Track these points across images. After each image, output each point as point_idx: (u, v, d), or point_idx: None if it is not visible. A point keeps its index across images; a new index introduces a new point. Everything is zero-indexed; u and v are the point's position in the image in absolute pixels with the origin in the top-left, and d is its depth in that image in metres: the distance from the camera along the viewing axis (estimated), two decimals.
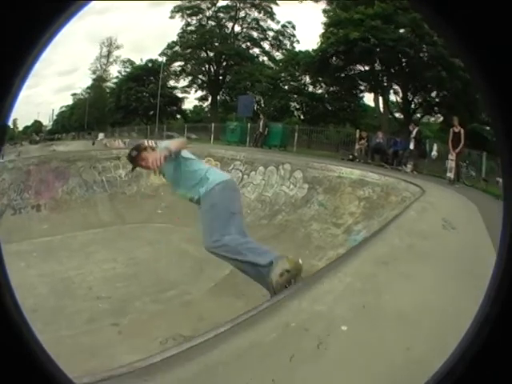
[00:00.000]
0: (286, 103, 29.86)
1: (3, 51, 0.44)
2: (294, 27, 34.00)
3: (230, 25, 34.85)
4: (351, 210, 7.98)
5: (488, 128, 19.69)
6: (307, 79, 29.09)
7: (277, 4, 33.35)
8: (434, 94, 23.55)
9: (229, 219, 3.28)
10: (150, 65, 36.59)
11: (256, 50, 35.58)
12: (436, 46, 18.86)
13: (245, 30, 35.10)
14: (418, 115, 25.69)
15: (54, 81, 63.35)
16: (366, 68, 24.25)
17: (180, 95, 37.22)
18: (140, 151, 3.60)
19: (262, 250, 3.25)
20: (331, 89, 27.83)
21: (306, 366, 1.60)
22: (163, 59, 34.99)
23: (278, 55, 34.74)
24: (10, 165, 13.98)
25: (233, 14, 34.35)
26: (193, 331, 3.35)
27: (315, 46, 24.69)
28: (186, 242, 8.22)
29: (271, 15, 33.96)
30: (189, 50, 34.88)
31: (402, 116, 25.89)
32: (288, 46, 34.30)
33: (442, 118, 25.33)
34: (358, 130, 15.94)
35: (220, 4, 33.96)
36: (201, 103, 38.20)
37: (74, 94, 46.39)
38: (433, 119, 28.60)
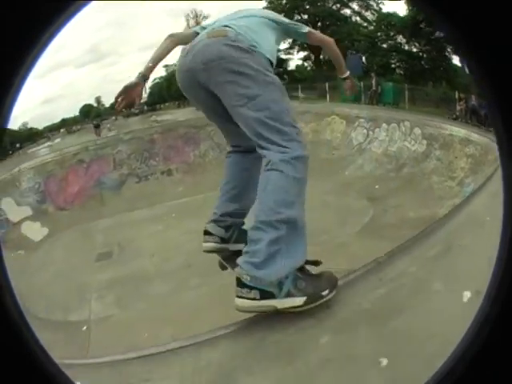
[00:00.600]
0: (388, 61, 30.41)
1: (3, 51, 0.44)
2: None
3: None
4: (461, 165, 8.91)
5: None
6: (401, 38, 29.92)
7: None
8: None
9: None
10: None
11: (347, 11, 36.14)
12: None
13: None
14: None
15: (135, 57, 65.04)
16: None
17: (284, 57, 37.85)
18: None
19: None
20: (424, 48, 28.62)
21: None
22: None
23: (368, 15, 35.36)
24: (126, 136, 14.88)
25: None
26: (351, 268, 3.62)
27: (400, 8, 25.84)
28: (326, 194, 9.36)
29: None
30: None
31: None
32: (375, 7, 34.97)
33: None
34: (456, 92, 16.38)
35: None
36: (304, 63, 38.58)
37: (165, 66, 47.14)
38: None
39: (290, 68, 38.85)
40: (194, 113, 28.67)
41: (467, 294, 1.29)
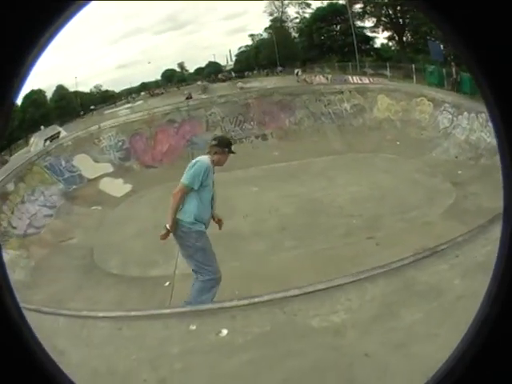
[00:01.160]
0: None
1: (3, 51, 0.44)
2: None
3: None
4: None
5: None
6: None
7: None
8: None
9: None
10: (332, 7, 38.06)
11: None
12: None
13: None
14: None
15: (219, 25, 68.59)
16: None
17: (370, 34, 38.02)
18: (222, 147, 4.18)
19: None
20: None
21: None
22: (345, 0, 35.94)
23: None
24: (221, 100, 15.04)
25: None
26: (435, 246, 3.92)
27: None
28: (416, 172, 9.65)
29: None
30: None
31: None
32: None
33: None
34: None
35: None
36: (388, 42, 38.79)
37: (251, 35, 47.56)
38: None
39: (376, 46, 38.94)
40: (283, 81, 29.54)
41: None
